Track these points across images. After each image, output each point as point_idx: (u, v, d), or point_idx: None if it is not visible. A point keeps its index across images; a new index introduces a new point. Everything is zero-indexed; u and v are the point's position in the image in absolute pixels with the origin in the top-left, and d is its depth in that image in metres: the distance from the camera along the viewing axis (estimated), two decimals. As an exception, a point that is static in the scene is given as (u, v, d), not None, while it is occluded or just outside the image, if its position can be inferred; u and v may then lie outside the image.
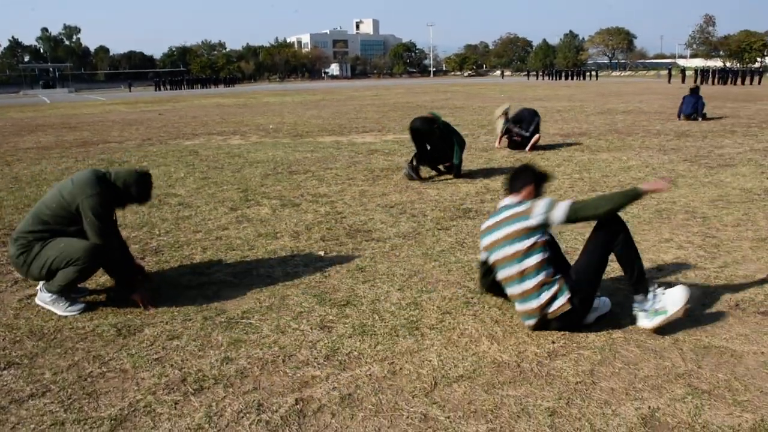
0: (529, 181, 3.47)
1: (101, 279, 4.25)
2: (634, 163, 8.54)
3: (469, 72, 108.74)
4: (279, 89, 51.01)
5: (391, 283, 4.11)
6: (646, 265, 3.62)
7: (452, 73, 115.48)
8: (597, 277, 3.27)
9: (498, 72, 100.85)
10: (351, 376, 2.90)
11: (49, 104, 34.54)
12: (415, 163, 7.67)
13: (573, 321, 3.26)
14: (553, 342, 3.22)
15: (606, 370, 2.94)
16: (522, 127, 9.93)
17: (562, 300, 3.16)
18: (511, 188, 3.50)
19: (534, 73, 76.01)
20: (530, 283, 3.18)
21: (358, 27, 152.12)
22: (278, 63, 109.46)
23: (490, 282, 3.56)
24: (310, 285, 4.11)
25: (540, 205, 3.24)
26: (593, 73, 69.67)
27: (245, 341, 3.29)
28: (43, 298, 3.77)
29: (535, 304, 3.18)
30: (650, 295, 3.26)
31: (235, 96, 37.05)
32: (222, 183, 7.79)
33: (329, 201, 6.62)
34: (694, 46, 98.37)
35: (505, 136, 10.22)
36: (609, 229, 3.26)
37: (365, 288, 4.04)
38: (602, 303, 3.45)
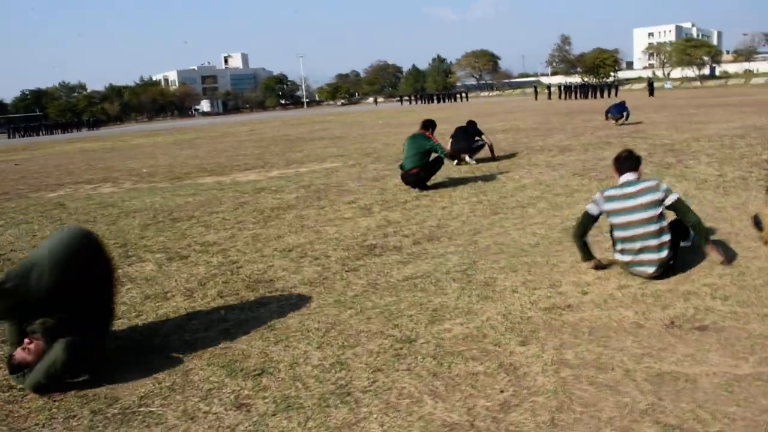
0: (640, 161, 4.38)
1: (-47, 375, 3.48)
2: (528, 182, 8.57)
3: (342, 101, 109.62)
4: (148, 129, 48.79)
5: (308, 340, 3.65)
6: (568, 288, 4.25)
7: (326, 102, 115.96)
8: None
9: (371, 99, 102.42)
10: (283, 468, 2.42)
11: None
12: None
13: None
14: (502, 391, 2.90)
15: (567, 417, 2.65)
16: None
17: (670, 255, 4.23)
18: (631, 167, 4.35)
19: (407, 98, 77.52)
20: (665, 238, 4.16)
21: (226, 62, 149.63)
22: (145, 102, 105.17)
23: (583, 236, 4.55)
24: (214, 354, 3.56)
25: (664, 185, 4.25)
26: (464, 94, 72.33)
27: (145, 437, 2.71)
28: None
29: (664, 255, 4.14)
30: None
31: (101, 139, 34.91)
32: (96, 238, 6.96)
33: (221, 249, 6.03)
34: (554, 64, 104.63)
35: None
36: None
37: (279, 350, 3.54)
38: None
